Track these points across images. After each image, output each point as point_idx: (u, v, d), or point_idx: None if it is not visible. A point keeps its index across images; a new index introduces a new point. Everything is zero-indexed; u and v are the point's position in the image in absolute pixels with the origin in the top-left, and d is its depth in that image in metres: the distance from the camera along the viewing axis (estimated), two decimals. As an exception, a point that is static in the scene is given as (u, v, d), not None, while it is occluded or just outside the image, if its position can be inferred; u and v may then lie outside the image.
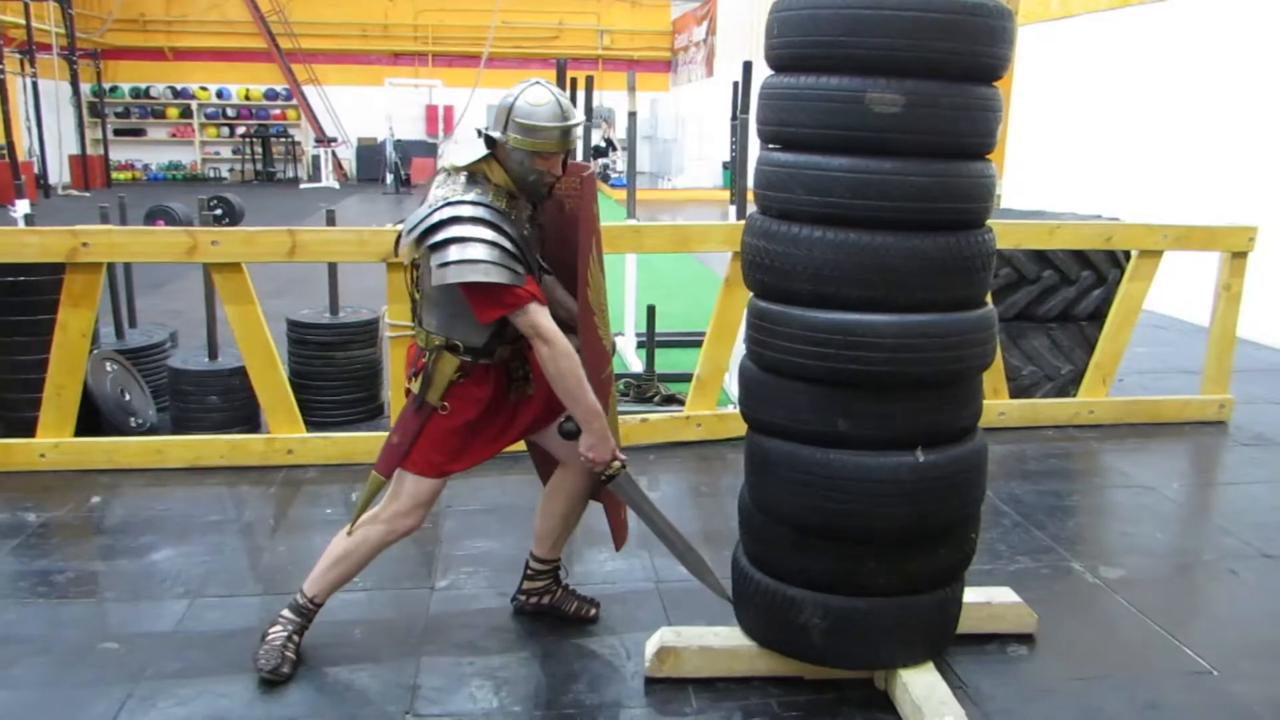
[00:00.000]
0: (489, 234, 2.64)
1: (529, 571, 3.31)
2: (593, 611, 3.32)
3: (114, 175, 23.56)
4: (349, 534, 2.95)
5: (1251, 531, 4.13)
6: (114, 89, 24.69)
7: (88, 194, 19.78)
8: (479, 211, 2.67)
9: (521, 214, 2.83)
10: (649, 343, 5.93)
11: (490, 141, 2.76)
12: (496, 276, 2.61)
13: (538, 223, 2.93)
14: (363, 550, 2.96)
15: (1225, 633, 3.35)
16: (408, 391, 2.92)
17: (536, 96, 2.72)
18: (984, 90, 2.52)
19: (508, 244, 2.66)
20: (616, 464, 2.88)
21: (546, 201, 2.94)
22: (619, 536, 3.25)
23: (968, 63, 2.46)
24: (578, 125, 2.79)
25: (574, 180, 2.94)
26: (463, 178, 2.77)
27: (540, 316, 2.68)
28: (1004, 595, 3.28)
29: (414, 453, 2.88)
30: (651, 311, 5.93)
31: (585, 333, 2.86)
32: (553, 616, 3.31)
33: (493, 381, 2.89)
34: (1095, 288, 5.66)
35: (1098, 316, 5.65)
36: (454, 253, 2.63)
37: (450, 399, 2.85)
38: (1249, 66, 7.96)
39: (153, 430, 5.04)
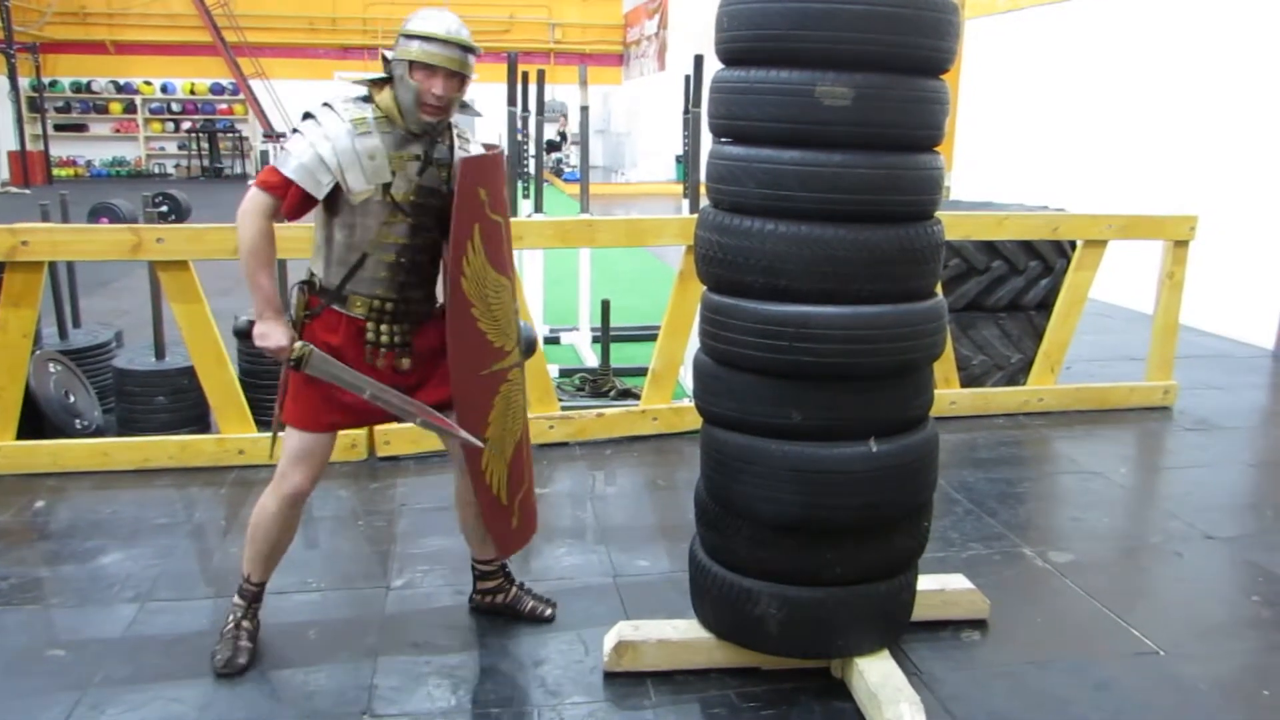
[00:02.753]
0: (316, 135, 2.67)
1: (476, 573, 3.29)
2: (548, 611, 3.29)
3: (55, 172, 23.05)
4: (270, 456, 2.93)
5: (1196, 514, 4.22)
6: (54, 83, 24.15)
7: (28, 191, 19.36)
8: (323, 115, 2.71)
9: (402, 148, 2.75)
10: (604, 337, 5.93)
11: (387, 65, 2.74)
12: (278, 160, 2.68)
13: (438, 161, 2.82)
14: (265, 522, 2.92)
15: (1171, 614, 3.43)
16: None
17: (426, 12, 2.70)
18: (931, 83, 2.55)
19: (328, 151, 2.66)
20: (299, 346, 2.73)
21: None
22: (501, 545, 3.14)
23: (915, 55, 2.48)
24: (466, 47, 2.69)
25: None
26: (355, 94, 2.76)
27: (252, 198, 2.69)
28: (957, 582, 3.32)
29: (287, 402, 2.85)
30: (606, 306, 5.92)
31: (458, 323, 2.75)
32: (509, 615, 3.29)
33: (342, 332, 2.81)
34: (1043, 277, 5.75)
35: (1046, 306, 5.74)
36: (289, 142, 2.71)
37: (301, 338, 2.79)
38: (1189, 60, 8.12)
39: (98, 432, 4.94)
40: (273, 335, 2.72)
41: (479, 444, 2.87)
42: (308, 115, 2.75)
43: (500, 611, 3.29)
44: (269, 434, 4.63)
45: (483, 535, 3.17)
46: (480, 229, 2.77)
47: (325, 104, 2.75)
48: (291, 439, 2.86)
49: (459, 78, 2.71)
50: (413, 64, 2.66)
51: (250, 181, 2.69)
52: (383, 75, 2.75)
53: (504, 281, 2.90)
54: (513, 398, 3.00)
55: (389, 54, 2.73)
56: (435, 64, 2.66)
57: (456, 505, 3.18)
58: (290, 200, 2.68)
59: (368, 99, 2.76)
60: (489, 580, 3.28)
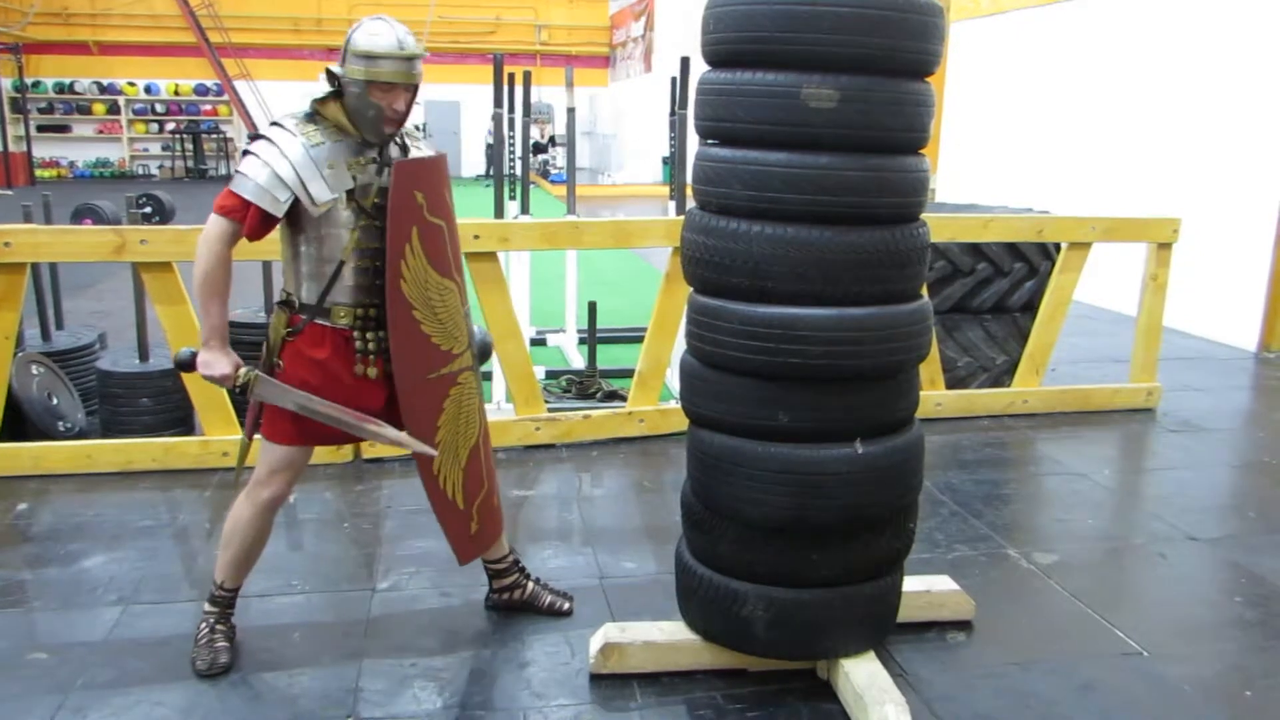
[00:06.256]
0: (271, 154, 2.67)
1: (490, 572, 3.30)
2: (566, 605, 3.31)
3: (38, 173, 22.94)
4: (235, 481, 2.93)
5: (1179, 515, 4.25)
6: (36, 84, 24.00)
7: (10, 192, 19.23)
8: (275, 134, 2.71)
9: (359, 154, 2.76)
10: (590, 339, 5.93)
11: (333, 79, 2.74)
12: (233, 184, 2.68)
13: (386, 166, 2.81)
14: (241, 528, 2.93)
15: (1154, 614, 3.44)
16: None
17: (373, 27, 2.70)
18: (916, 85, 2.56)
19: (285, 168, 2.66)
20: (243, 372, 2.77)
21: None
22: (459, 551, 3.12)
23: (900, 58, 2.49)
24: (417, 58, 2.73)
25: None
26: (301, 112, 2.77)
27: (213, 224, 2.68)
28: (942, 583, 3.33)
29: (264, 417, 2.87)
30: (593, 308, 5.92)
31: (400, 326, 2.78)
32: (528, 610, 3.29)
33: (329, 345, 2.81)
34: (1027, 279, 5.77)
35: (1030, 308, 5.76)
36: (241, 164, 2.71)
37: (284, 357, 2.81)
38: (1174, 62, 8.17)
39: (82, 434, 4.91)
40: (217, 364, 2.75)
41: (431, 452, 2.90)
42: (256, 136, 2.76)
43: (518, 608, 3.30)
44: (255, 436, 4.63)
45: (492, 536, 3.20)
46: (419, 232, 2.79)
47: (274, 123, 2.75)
48: (273, 452, 2.88)
49: (415, 88, 2.75)
50: (370, 83, 2.67)
51: (216, 216, 2.71)
52: (330, 91, 2.75)
53: (448, 284, 2.90)
54: (464, 401, 3.01)
55: (336, 69, 2.72)
56: (396, 82, 2.68)
57: None
58: (251, 221, 2.68)
59: (313, 115, 2.77)
60: (504, 578, 3.29)
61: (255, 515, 2.92)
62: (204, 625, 3.00)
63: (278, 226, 2.77)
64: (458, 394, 2.98)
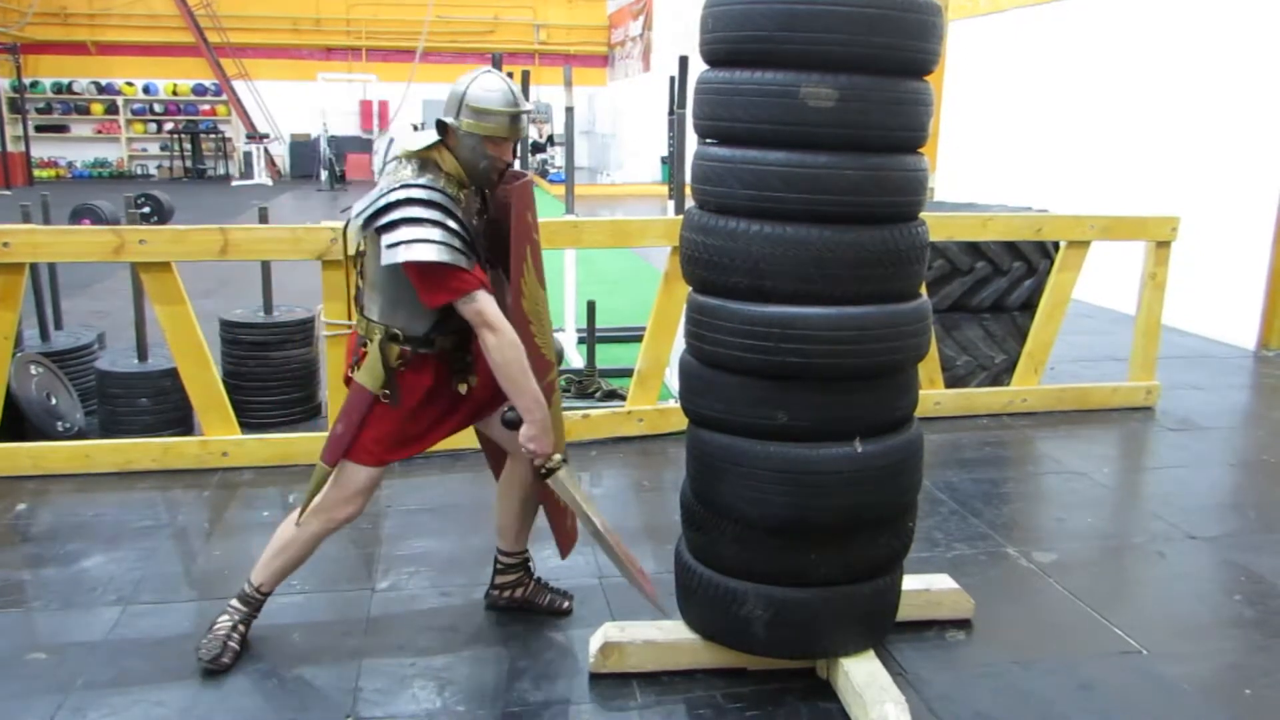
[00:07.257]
0: (440, 217, 2.65)
1: (498, 566, 3.31)
2: (566, 604, 3.32)
3: (36, 173, 22.91)
4: (298, 524, 2.93)
5: (1178, 514, 4.25)
6: (35, 84, 23.97)
7: (8, 192, 19.22)
8: (432, 195, 2.68)
9: (471, 204, 2.82)
10: (589, 338, 5.92)
11: (442, 129, 2.76)
12: (447, 257, 2.62)
13: (486, 216, 2.92)
14: (303, 539, 2.96)
15: (1154, 613, 3.45)
16: (348, 380, 2.92)
17: (489, 83, 2.75)
18: (915, 84, 2.56)
19: (459, 229, 2.66)
20: (557, 458, 2.86)
21: (498, 199, 2.94)
22: (562, 544, 3.26)
23: (899, 57, 2.49)
24: (527, 113, 2.81)
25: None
26: (414, 164, 2.77)
27: (487, 304, 2.68)
28: (942, 582, 3.33)
29: (356, 442, 2.87)
30: (591, 307, 5.92)
31: (522, 342, 2.85)
32: (527, 609, 3.30)
33: (432, 370, 2.88)
34: (1026, 278, 5.77)
35: (1029, 306, 5.77)
36: (405, 233, 2.63)
37: (391, 388, 2.84)
38: (1172, 60, 8.17)
39: (80, 434, 4.91)
40: (543, 441, 2.79)
41: (662, 610, 3.03)
42: (411, 201, 2.66)
43: (518, 607, 3.31)
44: (254, 436, 4.63)
45: (519, 528, 3.24)
46: (530, 249, 2.86)
47: (414, 185, 2.69)
48: (358, 472, 2.89)
49: (520, 140, 2.84)
50: (484, 138, 2.73)
51: (468, 297, 2.67)
52: (438, 139, 2.77)
53: (545, 296, 3.01)
54: (559, 406, 3.11)
55: (450, 120, 2.74)
56: (507, 138, 2.75)
57: (498, 497, 3.23)
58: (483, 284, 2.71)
59: (425, 165, 2.77)
60: (510, 574, 3.30)
61: (324, 531, 2.96)
62: (226, 619, 3.01)
63: (381, 266, 2.71)
64: (557, 400, 3.07)
